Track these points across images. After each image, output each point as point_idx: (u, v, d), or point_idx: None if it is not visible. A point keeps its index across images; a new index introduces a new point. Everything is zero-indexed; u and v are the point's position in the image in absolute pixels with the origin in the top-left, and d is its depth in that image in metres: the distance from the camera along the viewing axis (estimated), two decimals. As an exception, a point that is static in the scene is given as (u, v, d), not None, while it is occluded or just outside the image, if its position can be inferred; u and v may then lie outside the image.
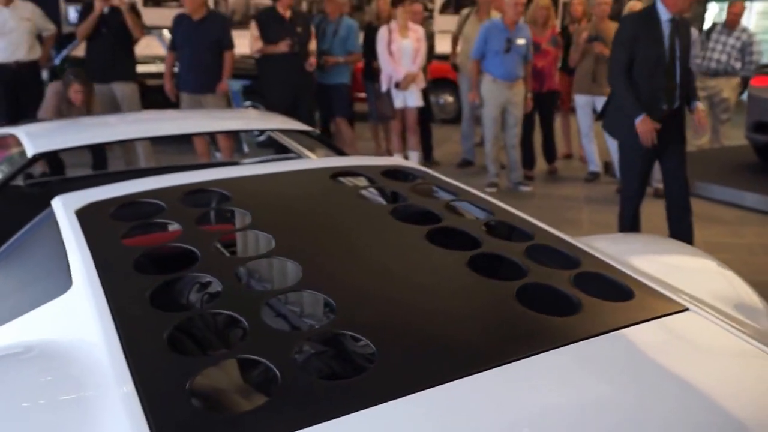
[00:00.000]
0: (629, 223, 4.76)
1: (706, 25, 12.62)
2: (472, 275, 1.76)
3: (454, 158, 8.14)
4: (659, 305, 1.73)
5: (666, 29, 4.36)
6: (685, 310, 1.72)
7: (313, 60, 6.83)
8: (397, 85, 6.85)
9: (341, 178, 2.43)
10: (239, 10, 12.20)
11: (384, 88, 6.94)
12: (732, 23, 8.11)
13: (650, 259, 2.34)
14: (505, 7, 6.58)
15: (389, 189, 2.41)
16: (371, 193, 2.39)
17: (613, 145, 7.04)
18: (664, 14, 4.35)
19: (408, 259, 1.87)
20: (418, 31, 6.97)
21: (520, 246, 1.96)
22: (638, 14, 4.65)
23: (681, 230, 4.67)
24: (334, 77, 7.14)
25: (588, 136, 7.30)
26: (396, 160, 2.72)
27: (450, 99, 10.72)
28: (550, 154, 7.64)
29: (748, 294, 2.23)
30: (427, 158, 7.95)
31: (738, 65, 7.99)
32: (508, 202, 6.73)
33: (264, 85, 6.93)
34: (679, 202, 4.68)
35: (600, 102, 6.96)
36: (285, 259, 1.85)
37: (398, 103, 6.94)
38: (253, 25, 6.68)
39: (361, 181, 2.48)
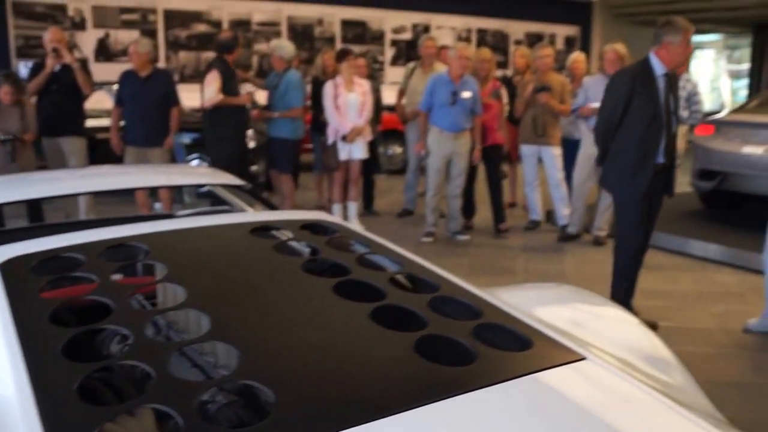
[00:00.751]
0: (627, 290, 4.56)
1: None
2: (374, 327, 1.82)
3: (397, 208, 8.26)
4: (557, 355, 1.78)
5: (661, 84, 4.31)
6: (582, 359, 1.77)
7: (256, 112, 7.06)
8: (344, 138, 6.96)
9: (260, 233, 2.50)
10: (190, 65, 12.35)
11: (330, 141, 7.04)
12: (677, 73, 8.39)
13: (559, 310, 2.41)
14: (450, 61, 6.75)
15: (305, 243, 2.49)
16: (287, 248, 2.47)
17: (558, 195, 7.26)
18: (659, 69, 4.29)
19: (314, 311, 1.94)
20: (363, 85, 7.11)
21: (425, 298, 2.03)
22: (633, 69, 4.49)
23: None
24: (275, 131, 7.17)
25: (531, 185, 7.44)
26: (316, 214, 2.80)
27: (399, 150, 10.93)
28: (497, 214, 7.37)
29: (658, 346, 2.31)
30: (368, 208, 8.09)
31: (685, 114, 8.19)
32: (446, 251, 6.84)
33: (218, 137, 6.86)
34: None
35: (545, 152, 7.15)
36: (195, 310, 1.92)
37: (343, 155, 7.04)
38: (217, 75, 6.61)
39: (279, 236, 2.56)
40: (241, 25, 13.13)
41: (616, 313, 2.55)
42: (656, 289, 5.52)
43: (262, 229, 2.53)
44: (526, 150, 7.28)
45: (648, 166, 4.33)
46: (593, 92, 6.40)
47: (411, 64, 8.22)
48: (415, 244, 6.76)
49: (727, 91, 19.83)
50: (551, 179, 7.23)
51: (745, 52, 19.54)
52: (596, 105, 6.20)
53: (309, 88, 7.89)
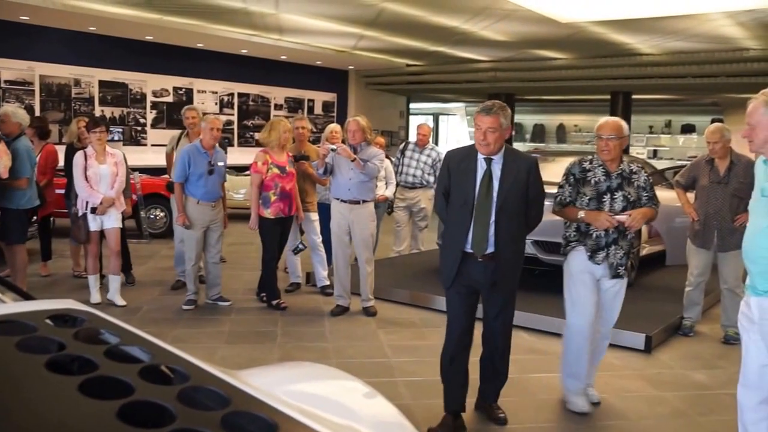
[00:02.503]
0: (455, 368, 4.24)
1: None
2: (121, 427, 1.77)
3: (158, 274, 8.11)
4: None
5: (480, 168, 4.00)
6: None
7: None
8: (94, 210, 6.72)
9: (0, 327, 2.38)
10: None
11: (80, 212, 6.77)
12: (422, 143, 9.14)
13: (308, 389, 2.50)
14: (202, 131, 6.76)
15: (51, 336, 2.39)
16: (30, 344, 2.36)
17: (317, 257, 7.52)
18: (480, 152, 4.03)
19: (56, 415, 1.86)
20: (116, 155, 6.93)
21: (174, 389, 2.02)
22: (456, 151, 4.25)
23: (488, 391, 4.37)
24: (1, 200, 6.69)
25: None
26: (66, 303, 2.71)
27: (161, 214, 10.78)
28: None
29: (395, 415, 2.48)
30: (125, 277, 7.81)
31: (432, 179, 8.90)
32: (207, 319, 6.78)
33: None
34: (491, 357, 4.31)
35: (307, 216, 7.33)
36: None
37: (94, 226, 6.77)
38: (5, 147, 6.22)
39: (22, 329, 2.44)
40: (-15, 82, 12.34)
41: (359, 387, 2.64)
42: (406, 345, 5.85)
43: (1, 324, 2.41)
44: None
45: (455, 253, 4.06)
46: (339, 159, 6.60)
47: (177, 132, 8.22)
48: (176, 313, 6.68)
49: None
50: (310, 242, 7.50)
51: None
52: (331, 146, 6.55)
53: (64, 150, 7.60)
